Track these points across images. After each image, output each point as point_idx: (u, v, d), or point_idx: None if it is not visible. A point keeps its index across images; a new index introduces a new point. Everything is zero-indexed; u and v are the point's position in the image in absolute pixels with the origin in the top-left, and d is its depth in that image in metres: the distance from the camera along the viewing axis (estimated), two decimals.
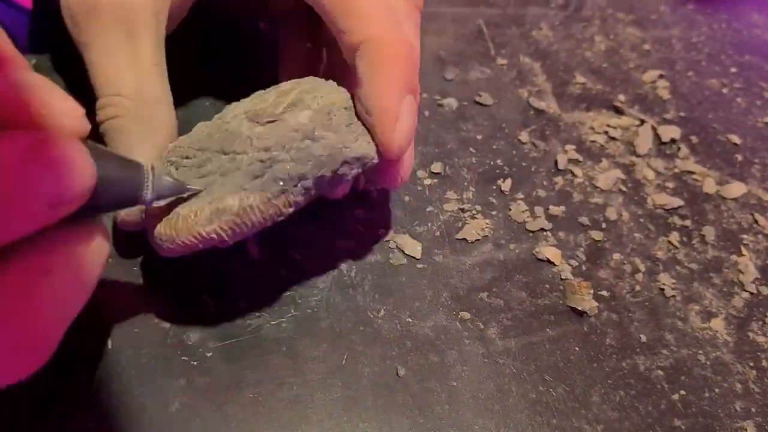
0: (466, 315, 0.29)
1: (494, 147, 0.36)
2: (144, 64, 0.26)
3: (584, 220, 0.34)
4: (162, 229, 0.24)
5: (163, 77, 0.27)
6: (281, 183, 0.24)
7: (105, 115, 0.26)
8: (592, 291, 0.31)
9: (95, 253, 0.20)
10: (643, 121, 0.39)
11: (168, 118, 0.27)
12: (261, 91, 0.27)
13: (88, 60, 0.26)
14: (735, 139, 0.39)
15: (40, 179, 0.17)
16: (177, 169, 0.25)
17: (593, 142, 0.37)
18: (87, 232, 0.20)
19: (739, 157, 0.38)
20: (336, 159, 0.25)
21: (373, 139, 0.26)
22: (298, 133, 0.24)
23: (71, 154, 0.18)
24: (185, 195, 0.24)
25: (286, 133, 0.24)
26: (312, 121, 0.24)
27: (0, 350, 0.18)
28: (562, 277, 0.31)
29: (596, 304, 0.30)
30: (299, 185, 0.24)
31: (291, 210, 0.25)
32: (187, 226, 0.24)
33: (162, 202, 0.23)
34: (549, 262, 0.32)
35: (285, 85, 0.26)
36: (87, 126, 0.20)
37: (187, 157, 0.25)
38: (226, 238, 0.24)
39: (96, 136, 0.24)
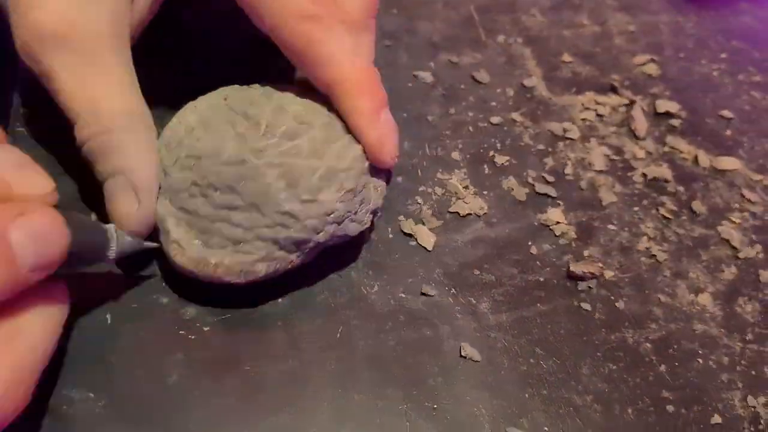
0: (459, 290, 0.30)
1: (486, 128, 0.37)
2: (120, 82, 0.26)
3: (575, 197, 0.34)
4: (184, 262, 0.26)
5: (140, 93, 0.27)
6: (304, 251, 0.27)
7: (90, 134, 0.26)
8: (600, 264, 0.32)
9: (58, 313, 0.22)
10: (632, 101, 0.39)
11: (153, 132, 0.27)
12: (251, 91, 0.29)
13: (56, 89, 0.26)
14: (723, 121, 0.40)
15: (24, 247, 0.20)
16: (202, 196, 0.26)
17: (584, 120, 0.38)
18: (52, 292, 0.22)
19: (728, 138, 0.39)
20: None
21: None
22: (330, 217, 0.26)
23: (50, 223, 0.21)
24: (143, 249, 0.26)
25: (320, 214, 0.26)
26: (340, 201, 0.27)
27: None
28: (560, 238, 0.32)
29: (601, 265, 0.31)
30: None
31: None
32: (214, 273, 0.26)
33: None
34: (542, 237, 0.32)
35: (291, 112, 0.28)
36: (56, 198, 0.23)
37: (215, 188, 0.26)
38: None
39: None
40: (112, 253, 0.24)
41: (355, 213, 0.28)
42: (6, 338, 0.20)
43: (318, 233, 0.26)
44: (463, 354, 0.28)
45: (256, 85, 0.29)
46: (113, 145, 0.26)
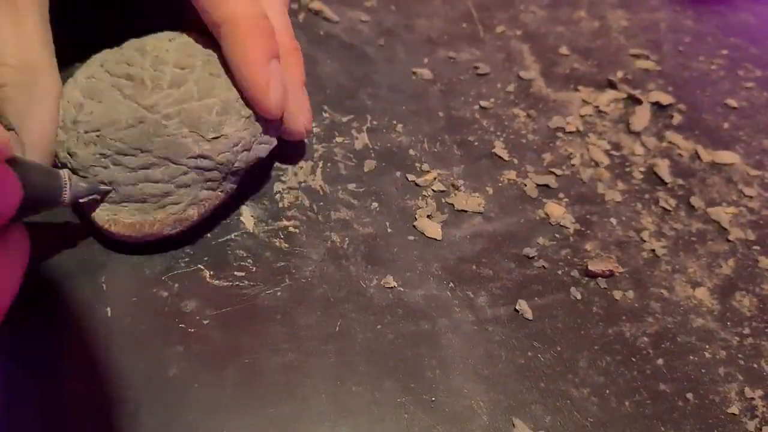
0: (456, 284, 0.30)
1: (484, 124, 0.37)
2: (27, 32, 0.26)
3: (574, 192, 0.35)
4: (121, 230, 0.27)
5: (49, 46, 0.27)
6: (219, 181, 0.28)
7: None
8: (617, 263, 0.32)
9: (18, 249, 0.23)
10: (630, 96, 0.40)
11: (52, 89, 0.27)
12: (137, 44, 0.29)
13: None
14: (721, 116, 0.40)
15: None
16: (115, 165, 0.27)
17: (583, 116, 0.38)
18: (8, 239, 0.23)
19: (726, 134, 0.39)
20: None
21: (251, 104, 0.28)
22: (239, 146, 0.28)
23: (1, 178, 0.21)
24: (97, 195, 0.27)
25: (229, 146, 0.27)
26: (244, 129, 0.28)
27: None
28: (558, 233, 0.32)
29: (617, 264, 0.32)
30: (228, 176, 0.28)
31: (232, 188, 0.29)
32: (150, 230, 0.27)
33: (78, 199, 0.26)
34: (540, 232, 0.33)
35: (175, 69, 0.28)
36: (11, 151, 0.22)
37: (123, 154, 0.27)
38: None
39: None
40: (66, 197, 0.25)
41: (261, 134, 0.29)
42: None
43: (233, 164, 0.28)
44: (517, 308, 0.29)
45: (127, 43, 0.29)
46: (6, 99, 0.25)
